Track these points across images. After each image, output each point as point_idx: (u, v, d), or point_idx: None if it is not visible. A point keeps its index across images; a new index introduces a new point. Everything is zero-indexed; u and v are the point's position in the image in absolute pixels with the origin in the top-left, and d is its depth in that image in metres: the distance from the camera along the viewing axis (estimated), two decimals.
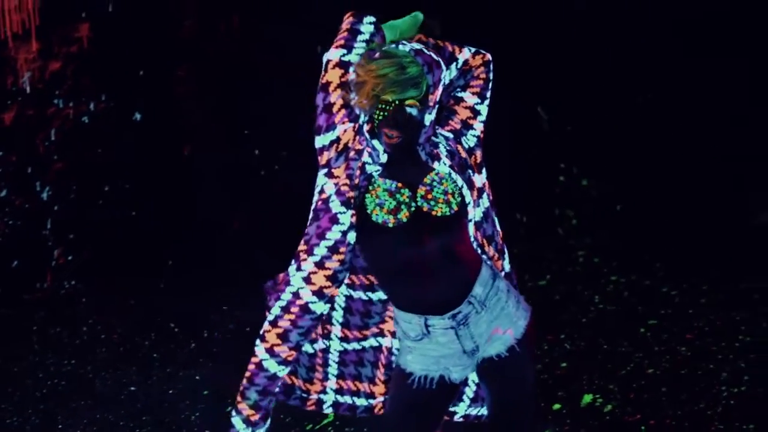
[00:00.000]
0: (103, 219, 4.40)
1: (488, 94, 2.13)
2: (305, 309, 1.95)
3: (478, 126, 2.11)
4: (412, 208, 1.92)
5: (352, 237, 1.93)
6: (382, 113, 1.86)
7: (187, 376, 3.59)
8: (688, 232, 4.83)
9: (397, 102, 1.84)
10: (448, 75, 2.05)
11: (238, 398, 2.03)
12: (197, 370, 3.64)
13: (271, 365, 1.98)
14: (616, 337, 3.78)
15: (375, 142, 1.94)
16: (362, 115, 1.96)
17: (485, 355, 2.03)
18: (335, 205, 1.92)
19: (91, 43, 4.21)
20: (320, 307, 1.96)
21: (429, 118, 1.95)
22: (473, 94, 2.11)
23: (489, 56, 2.13)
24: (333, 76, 1.95)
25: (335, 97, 1.95)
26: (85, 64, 4.27)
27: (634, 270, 4.55)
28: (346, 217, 1.92)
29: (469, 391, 2.20)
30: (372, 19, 2.00)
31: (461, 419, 2.24)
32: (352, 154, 1.95)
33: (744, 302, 4.05)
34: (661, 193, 5.08)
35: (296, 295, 1.95)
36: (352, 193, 1.93)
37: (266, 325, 1.98)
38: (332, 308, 2.09)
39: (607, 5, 4.68)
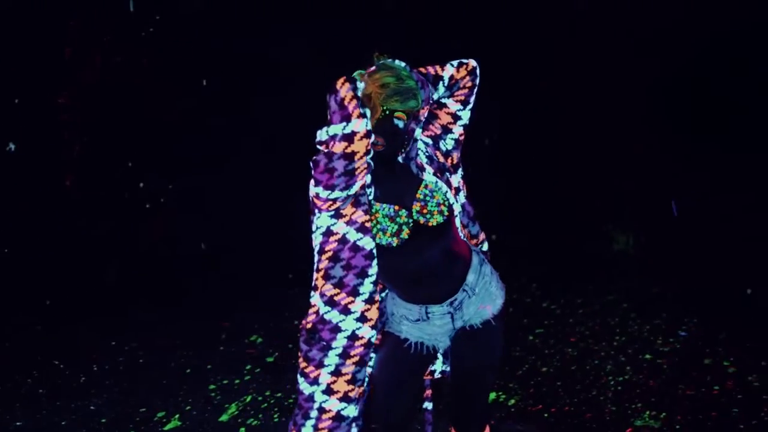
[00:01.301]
0: None
1: (472, 99, 2.23)
2: (369, 344, 2.06)
3: (458, 129, 2.23)
4: (411, 224, 2.07)
5: None
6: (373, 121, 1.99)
7: (80, 407, 3.41)
8: (557, 258, 5.28)
9: (387, 112, 1.98)
10: (436, 94, 2.15)
11: None
12: (91, 400, 3.47)
13: (351, 410, 2.06)
14: (509, 345, 4.03)
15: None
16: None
17: (462, 324, 2.21)
18: (366, 242, 2.03)
19: None
20: (375, 336, 2.09)
21: (418, 132, 2.10)
22: (457, 101, 2.21)
23: (473, 63, 2.21)
24: (360, 146, 1.95)
25: (361, 164, 1.97)
26: None
27: (514, 291, 4.89)
28: (375, 249, 2.04)
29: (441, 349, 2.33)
30: (358, 80, 2.05)
31: (439, 375, 2.37)
32: (359, 191, 2.04)
33: (615, 311, 4.47)
34: (530, 224, 5.53)
35: (354, 336, 2.04)
36: (370, 225, 2.05)
37: (328, 377, 2.03)
38: None
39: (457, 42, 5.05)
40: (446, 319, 2.17)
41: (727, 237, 4.86)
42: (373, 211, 2.07)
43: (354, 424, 2.09)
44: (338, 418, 2.04)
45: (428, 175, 2.12)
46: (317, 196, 2.00)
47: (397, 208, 2.07)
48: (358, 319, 2.03)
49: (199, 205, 4.75)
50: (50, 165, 4.30)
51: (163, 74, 4.65)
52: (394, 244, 2.06)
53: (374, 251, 2.04)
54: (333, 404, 2.03)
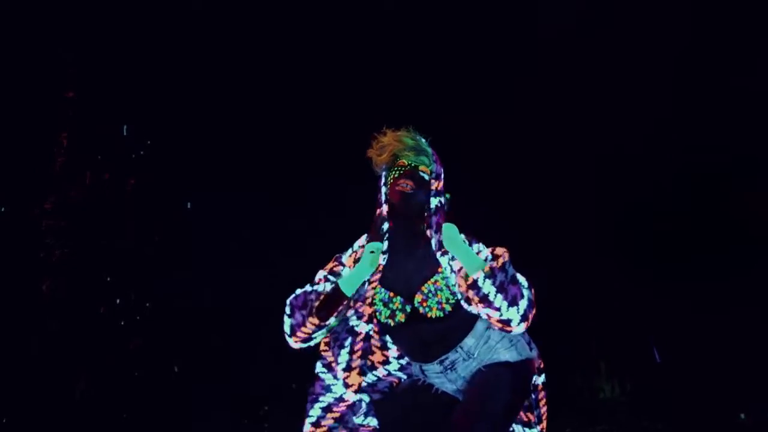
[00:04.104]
0: None
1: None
2: (352, 406, 2.26)
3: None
4: (408, 311, 2.21)
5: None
6: (399, 171, 2.24)
7: None
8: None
9: (412, 164, 2.24)
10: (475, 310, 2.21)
11: None
12: None
13: None
14: None
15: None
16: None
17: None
18: (354, 322, 2.31)
19: None
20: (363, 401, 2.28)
21: (434, 201, 2.25)
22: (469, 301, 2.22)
23: (509, 329, 2.16)
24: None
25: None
26: None
27: None
28: (357, 327, 2.30)
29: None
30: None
31: None
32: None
33: None
34: None
35: (341, 399, 2.26)
36: (362, 310, 2.29)
37: (308, 427, 2.24)
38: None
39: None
40: (442, 378, 2.25)
41: (711, 368, 4.94)
42: (374, 292, 2.25)
43: None
44: None
45: (446, 270, 2.22)
46: None
47: (392, 294, 2.23)
48: (344, 385, 2.25)
49: (174, 326, 4.73)
50: (28, 267, 4.32)
51: (149, 195, 4.85)
52: (391, 325, 2.23)
53: (356, 329, 2.27)
54: None
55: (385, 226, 2.26)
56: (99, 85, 4.70)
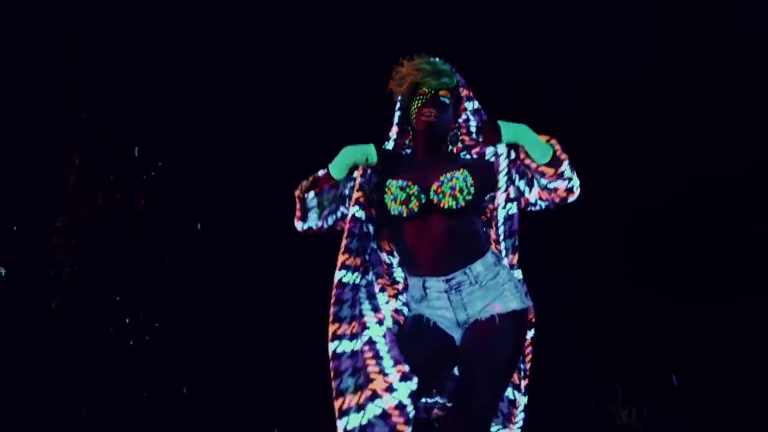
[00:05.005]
0: None
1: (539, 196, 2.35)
2: (341, 285, 2.27)
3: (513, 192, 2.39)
4: (422, 200, 2.29)
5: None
6: (420, 100, 2.35)
7: None
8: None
9: (433, 92, 2.34)
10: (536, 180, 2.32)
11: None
12: None
13: (345, 346, 2.22)
14: None
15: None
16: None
17: (467, 318, 2.29)
18: (355, 210, 2.33)
19: None
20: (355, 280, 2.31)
21: (469, 105, 2.41)
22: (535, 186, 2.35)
23: (572, 196, 2.33)
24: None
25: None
26: None
27: None
28: (358, 214, 2.36)
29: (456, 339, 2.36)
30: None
31: (436, 413, 2.41)
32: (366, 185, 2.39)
33: None
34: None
35: (339, 284, 2.27)
36: (364, 200, 2.34)
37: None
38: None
39: None
40: (444, 301, 2.26)
41: (728, 391, 4.88)
42: (389, 186, 2.32)
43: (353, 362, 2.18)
44: (334, 356, 2.19)
45: (465, 170, 2.32)
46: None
47: (410, 182, 2.30)
48: (339, 269, 2.24)
49: (183, 348, 4.74)
50: (38, 286, 4.36)
51: (159, 215, 4.89)
52: (404, 214, 2.28)
53: (356, 215, 2.27)
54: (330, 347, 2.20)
55: (389, 145, 2.40)
56: (112, 105, 4.78)
